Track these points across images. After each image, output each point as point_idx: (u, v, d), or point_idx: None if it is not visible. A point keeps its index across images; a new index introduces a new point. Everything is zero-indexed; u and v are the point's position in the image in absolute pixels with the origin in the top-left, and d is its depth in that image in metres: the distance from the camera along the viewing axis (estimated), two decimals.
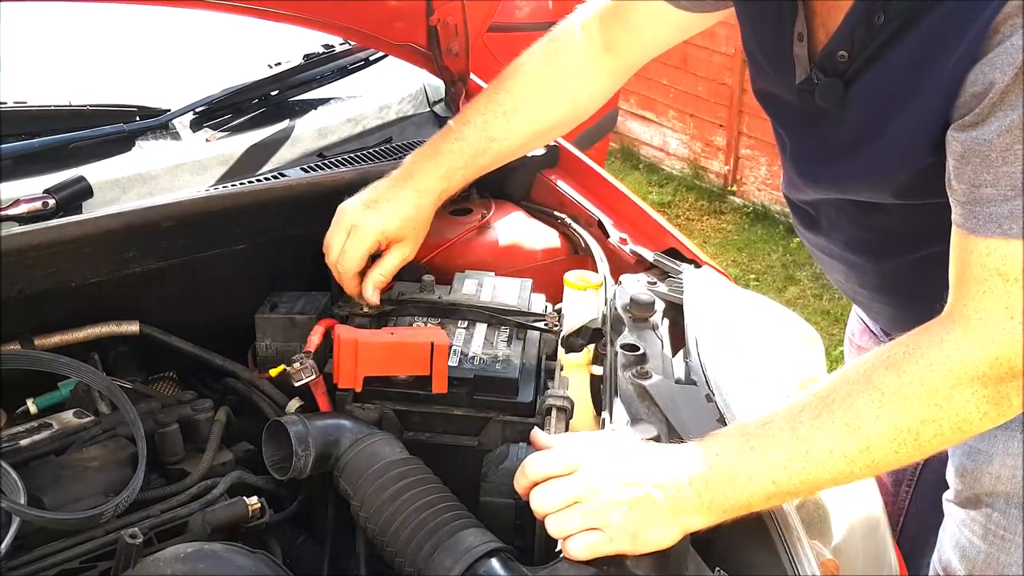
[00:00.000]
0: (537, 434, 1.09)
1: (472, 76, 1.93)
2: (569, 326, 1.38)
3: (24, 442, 1.12)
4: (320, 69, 1.84)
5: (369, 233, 1.33)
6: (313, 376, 1.21)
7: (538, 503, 0.98)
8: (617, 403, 1.18)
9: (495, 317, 1.33)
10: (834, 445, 0.93)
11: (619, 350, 1.27)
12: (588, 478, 0.98)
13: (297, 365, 1.21)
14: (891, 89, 1.02)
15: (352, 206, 1.35)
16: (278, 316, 1.34)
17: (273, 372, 1.24)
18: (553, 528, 0.97)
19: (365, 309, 1.34)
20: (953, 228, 0.95)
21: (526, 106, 1.41)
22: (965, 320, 0.92)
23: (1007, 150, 0.88)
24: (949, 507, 1.32)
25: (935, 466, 1.42)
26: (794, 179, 1.24)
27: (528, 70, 1.42)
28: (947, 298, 0.95)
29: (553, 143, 1.79)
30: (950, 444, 0.96)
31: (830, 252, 1.29)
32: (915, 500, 1.54)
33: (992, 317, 0.90)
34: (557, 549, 0.98)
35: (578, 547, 0.95)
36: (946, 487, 1.33)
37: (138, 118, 1.58)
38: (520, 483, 1.02)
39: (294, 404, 1.27)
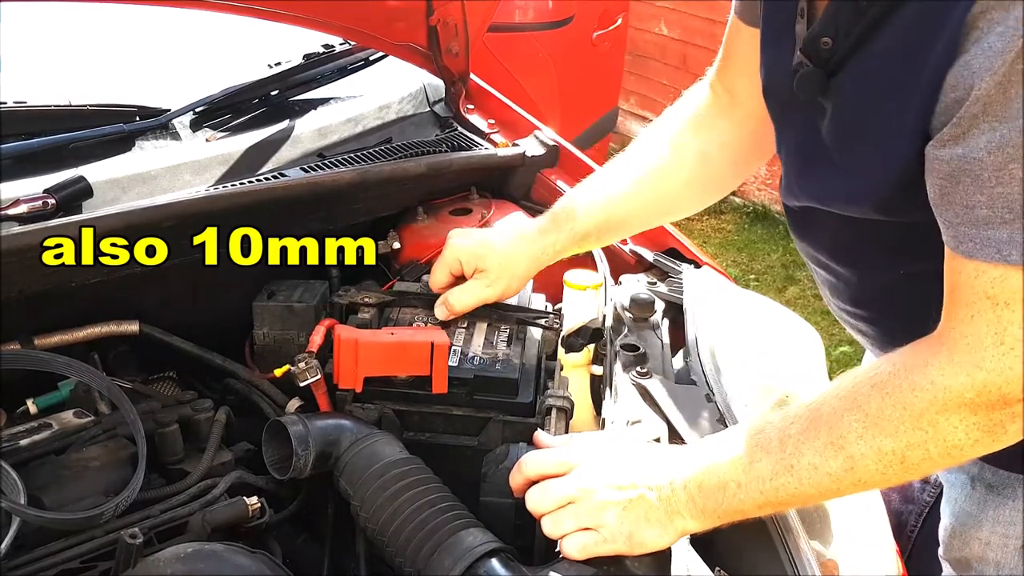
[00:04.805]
0: (540, 435, 1.09)
1: (472, 76, 1.93)
2: (569, 326, 1.38)
3: (24, 442, 1.12)
4: (320, 69, 1.83)
5: (451, 250, 1.32)
6: (317, 376, 1.21)
7: (533, 503, 0.99)
8: (617, 403, 1.18)
9: (496, 314, 1.33)
10: (818, 462, 0.91)
11: (619, 350, 1.27)
12: (581, 479, 0.98)
13: (302, 365, 1.20)
14: (872, 84, 0.95)
15: (459, 231, 1.35)
16: (276, 304, 1.34)
17: (278, 372, 1.24)
18: (548, 528, 0.98)
19: (368, 300, 1.34)
20: (946, 247, 0.90)
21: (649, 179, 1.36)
22: (952, 344, 0.87)
23: (1001, 169, 0.81)
24: (943, 562, 1.31)
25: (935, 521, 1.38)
26: (787, 182, 1.18)
27: (659, 139, 1.40)
28: (931, 323, 0.91)
29: (552, 142, 1.79)
30: (942, 467, 0.93)
31: (817, 261, 1.24)
32: (916, 553, 1.49)
33: (980, 342, 0.85)
34: (557, 549, 0.98)
35: (574, 547, 0.96)
36: None
37: (138, 118, 1.58)
38: (515, 480, 1.03)
39: (294, 404, 1.27)
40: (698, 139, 1.36)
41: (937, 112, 0.87)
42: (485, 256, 1.30)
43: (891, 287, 1.15)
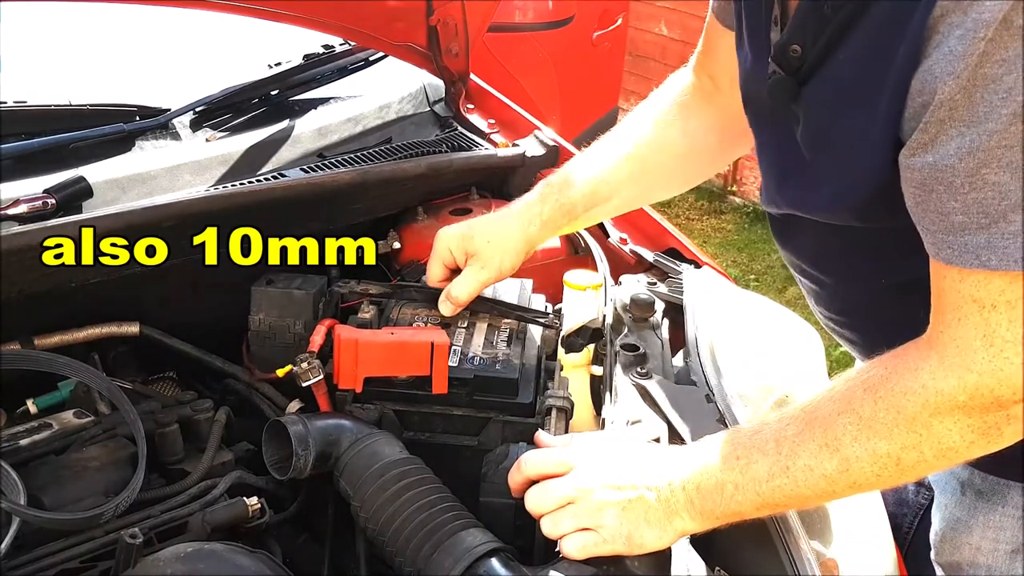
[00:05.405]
0: (541, 436, 1.09)
1: (472, 76, 1.93)
2: (569, 326, 1.38)
3: (24, 442, 1.12)
4: (320, 69, 1.84)
5: (440, 242, 1.31)
6: (320, 376, 1.21)
7: (532, 504, 1.00)
8: (617, 403, 1.18)
9: (496, 309, 1.33)
10: (813, 464, 0.91)
11: (619, 350, 1.27)
12: (581, 479, 0.98)
13: (304, 366, 1.20)
14: (841, 91, 0.94)
15: (447, 226, 1.34)
16: (275, 289, 1.34)
17: (280, 372, 1.24)
18: (547, 528, 0.98)
19: (371, 291, 1.34)
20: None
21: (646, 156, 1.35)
22: (942, 347, 0.86)
23: (973, 175, 0.80)
24: (936, 566, 1.31)
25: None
26: (767, 190, 1.15)
27: (646, 120, 1.37)
28: (916, 330, 0.91)
29: (552, 143, 1.79)
30: (938, 469, 0.92)
31: (800, 269, 1.23)
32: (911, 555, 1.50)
33: (969, 345, 0.84)
34: (556, 549, 0.98)
35: (573, 547, 0.96)
36: None
37: (138, 118, 1.58)
38: (515, 480, 1.03)
39: (294, 404, 1.27)
40: (683, 119, 1.36)
41: (906, 118, 0.86)
42: (472, 238, 1.30)
43: (874, 295, 1.14)
